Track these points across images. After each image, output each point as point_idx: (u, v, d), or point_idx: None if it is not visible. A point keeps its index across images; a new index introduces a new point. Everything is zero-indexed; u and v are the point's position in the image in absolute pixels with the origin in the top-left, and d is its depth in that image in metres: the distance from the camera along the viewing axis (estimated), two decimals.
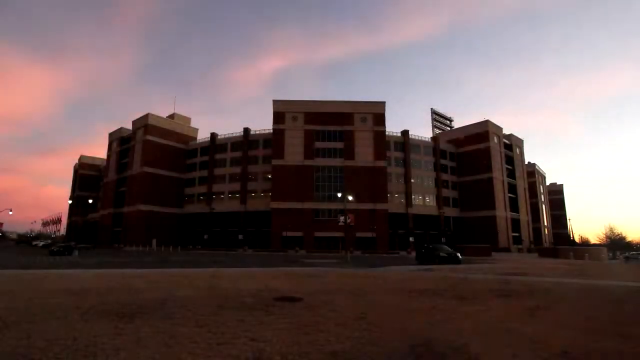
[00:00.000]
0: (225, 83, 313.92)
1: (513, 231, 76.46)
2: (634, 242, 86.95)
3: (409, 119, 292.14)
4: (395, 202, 68.35)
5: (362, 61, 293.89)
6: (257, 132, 72.10)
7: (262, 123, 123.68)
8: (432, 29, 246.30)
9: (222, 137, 75.23)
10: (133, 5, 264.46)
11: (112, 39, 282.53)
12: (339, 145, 65.22)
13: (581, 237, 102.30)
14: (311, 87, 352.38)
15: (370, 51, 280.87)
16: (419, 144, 74.84)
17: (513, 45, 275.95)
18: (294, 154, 64.16)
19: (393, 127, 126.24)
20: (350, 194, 50.34)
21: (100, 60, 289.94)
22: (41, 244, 71.87)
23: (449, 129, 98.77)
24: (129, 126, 79.24)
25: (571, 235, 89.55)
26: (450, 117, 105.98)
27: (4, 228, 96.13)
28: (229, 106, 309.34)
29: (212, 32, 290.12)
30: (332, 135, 65.60)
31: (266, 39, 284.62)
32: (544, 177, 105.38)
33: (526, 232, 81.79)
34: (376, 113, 66.20)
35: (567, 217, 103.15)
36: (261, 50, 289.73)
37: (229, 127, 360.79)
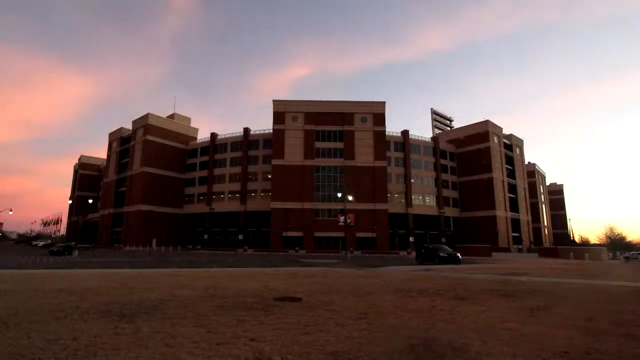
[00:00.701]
0: (248, 90, 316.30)
1: (513, 231, 76.51)
2: (634, 242, 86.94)
3: (409, 119, 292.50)
4: (395, 202, 68.37)
5: (373, 70, 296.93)
6: (257, 132, 72.12)
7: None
8: (444, 42, 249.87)
9: (222, 137, 75.25)
10: (162, 19, 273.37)
11: (140, 48, 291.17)
12: (339, 145, 65.23)
13: (581, 237, 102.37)
14: (314, 92, 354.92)
15: (387, 61, 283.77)
16: (419, 144, 74.85)
17: (514, 48, 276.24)
18: (294, 154, 64.17)
19: (393, 127, 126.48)
20: (350, 194, 50.36)
21: (127, 68, 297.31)
22: (41, 244, 71.93)
23: (449, 129, 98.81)
24: (130, 126, 79.24)
25: (571, 235, 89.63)
26: (450, 117, 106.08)
27: (4, 228, 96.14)
28: (251, 112, 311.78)
29: (238, 41, 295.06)
30: (332, 135, 65.61)
31: (289, 49, 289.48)
32: (544, 177, 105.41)
33: (526, 232, 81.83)
34: (376, 113, 66.21)
35: (567, 217, 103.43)
36: (285, 59, 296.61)
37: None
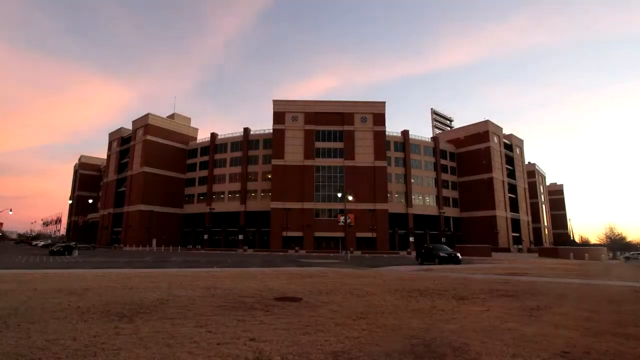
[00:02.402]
0: (270, 99, 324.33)
1: (513, 231, 76.50)
2: (634, 242, 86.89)
3: (409, 119, 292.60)
4: (395, 202, 68.34)
5: (392, 82, 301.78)
6: (257, 132, 72.11)
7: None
8: (453, 56, 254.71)
9: (222, 137, 75.18)
10: (199, 36, 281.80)
11: (181, 59, 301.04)
12: (339, 145, 65.20)
13: (581, 237, 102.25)
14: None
15: (409, 74, 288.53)
16: (419, 144, 74.81)
17: (516, 56, 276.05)
18: (294, 154, 64.16)
19: (393, 127, 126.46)
20: (350, 194, 50.35)
21: (164, 79, 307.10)
22: (41, 244, 71.97)
23: (449, 129, 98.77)
24: (130, 126, 79.23)
25: (571, 235, 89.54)
26: (450, 117, 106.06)
27: (4, 228, 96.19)
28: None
29: (270, 52, 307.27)
30: (332, 135, 65.59)
31: (317, 62, 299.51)
32: (544, 177, 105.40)
33: (526, 232, 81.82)
34: (376, 113, 66.17)
35: (567, 217, 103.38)
36: (313, 71, 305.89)
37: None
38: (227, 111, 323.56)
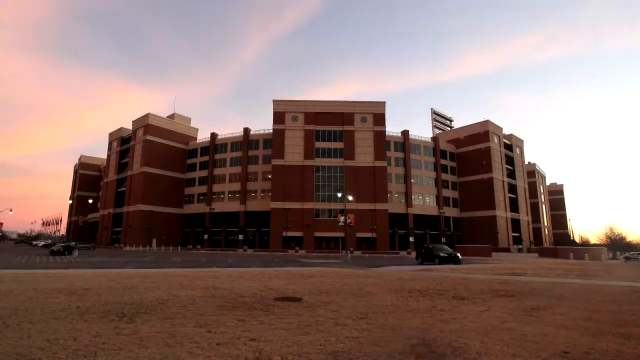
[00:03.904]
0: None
1: (513, 231, 76.48)
2: (634, 242, 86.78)
3: (409, 119, 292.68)
4: (395, 202, 68.33)
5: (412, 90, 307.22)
6: (257, 132, 72.09)
7: None
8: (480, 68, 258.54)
9: (222, 137, 75.17)
10: (233, 50, 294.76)
11: (210, 71, 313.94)
12: (339, 145, 65.19)
13: (581, 237, 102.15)
14: None
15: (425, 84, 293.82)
16: (419, 144, 74.79)
17: (513, 51, 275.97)
18: (294, 154, 64.14)
19: (393, 127, 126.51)
20: (350, 194, 50.37)
21: (193, 87, 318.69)
22: (41, 244, 71.99)
23: (449, 129, 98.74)
24: (130, 126, 79.20)
25: (571, 235, 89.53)
26: (450, 117, 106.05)
27: (4, 228, 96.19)
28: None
29: (297, 62, 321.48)
30: (332, 135, 65.58)
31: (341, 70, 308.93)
32: (544, 177, 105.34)
33: (526, 232, 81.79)
34: (376, 113, 66.15)
35: (567, 217, 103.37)
36: (334, 79, 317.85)
37: None
38: (253, 116, 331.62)
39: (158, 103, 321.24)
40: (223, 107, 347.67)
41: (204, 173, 74.68)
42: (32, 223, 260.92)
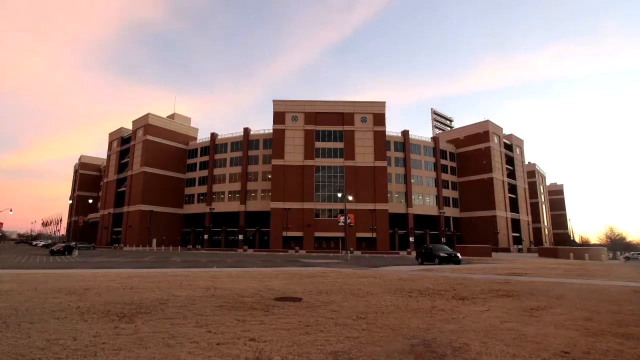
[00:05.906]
0: None
1: (513, 231, 76.46)
2: (634, 242, 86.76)
3: (409, 119, 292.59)
4: (395, 202, 68.33)
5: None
6: (257, 132, 72.08)
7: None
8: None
9: (222, 137, 75.15)
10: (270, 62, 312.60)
11: (240, 80, 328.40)
12: (339, 145, 65.19)
13: (581, 237, 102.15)
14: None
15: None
16: (419, 144, 74.79)
17: (512, 50, 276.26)
18: (294, 154, 64.15)
19: (393, 127, 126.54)
20: (350, 194, 50.32)
21: (231, 95, 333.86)
22: (41, 244, 72.05)
23: (449, 129, 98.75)
24: (130, 126, 79.18)
25: (571, 236, 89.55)
26: (450, 117, 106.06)
27: (4, 228, 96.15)
28: None
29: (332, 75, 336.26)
30: (332, 135, 65.57)
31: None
32: (544, 177, 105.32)
33: (526, 232, 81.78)
34: (376, 113, 66.15)
35: (567, 217, 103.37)
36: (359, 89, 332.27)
37: None
38: (253, 116, 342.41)
39: (160, 103, 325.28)
40: (224, 107, 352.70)
41: (204, 173, 74.68)
42: (32, 223, 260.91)
